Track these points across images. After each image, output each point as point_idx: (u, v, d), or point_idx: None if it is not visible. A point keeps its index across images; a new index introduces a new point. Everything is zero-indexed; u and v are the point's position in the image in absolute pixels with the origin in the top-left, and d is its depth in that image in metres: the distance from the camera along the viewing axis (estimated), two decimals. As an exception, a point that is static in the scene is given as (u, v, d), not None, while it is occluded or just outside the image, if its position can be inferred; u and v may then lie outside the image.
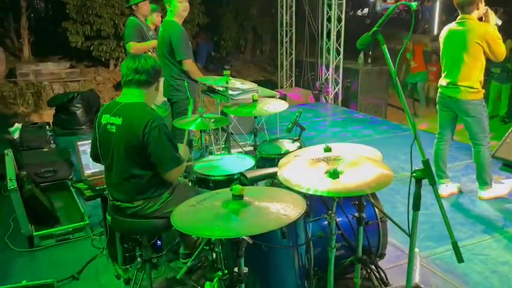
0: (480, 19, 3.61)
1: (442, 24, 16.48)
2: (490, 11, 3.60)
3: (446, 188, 4.01)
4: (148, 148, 2.23)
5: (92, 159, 2.61)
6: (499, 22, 3.69)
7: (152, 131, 2.21)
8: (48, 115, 7.74)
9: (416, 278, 2.65)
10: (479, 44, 3.52)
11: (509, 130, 4.79)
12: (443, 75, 3.84)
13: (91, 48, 9.40)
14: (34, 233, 3.33)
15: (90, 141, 3.34)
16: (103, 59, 9.80)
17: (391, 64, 1.71)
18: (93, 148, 2.50)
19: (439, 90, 3.90)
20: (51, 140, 5.38)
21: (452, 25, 3.72)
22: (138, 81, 2.30)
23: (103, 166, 2.49)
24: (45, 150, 5.02)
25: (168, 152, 2.27)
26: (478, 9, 3.56)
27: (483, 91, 3.70)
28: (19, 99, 8.62)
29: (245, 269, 1.81)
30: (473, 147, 3.81)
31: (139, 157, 2.26)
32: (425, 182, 1.81)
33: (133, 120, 2.24)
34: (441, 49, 3.84)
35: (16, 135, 5.53)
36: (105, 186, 2.94)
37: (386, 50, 1.71)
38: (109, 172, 2.41)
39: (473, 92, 3.64)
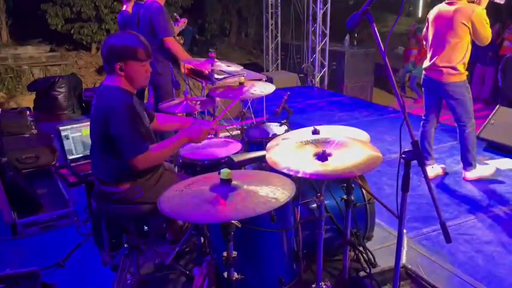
0: (472, 2, 3.60)
1: (427, 6, 16.53)
2: None
3: (432, 170, 4.05)
4: (111, 134, 2.15)
5: None
6: (502, 1, 3.65)
7: (111, 118, 2.11)
8: (28, 100, 7.56)
9: (403, 259, 2.68)
10: (465, 25, 3.51)
11: (493, 111, 4.88)
12: (428, 56, 3.83)
13: (71, 32, 9.17)
14: (17, 221, 3.26)
15: (72, 125, 3.29)
16: (84, 43, 9.58)
17: (381, 43, 1.68)
18: None
19: (424, 72, 3.90)
20: (32, 125, 5.25)
21: (441, 5, 3.70)
22: (105, 70, 2.26)
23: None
24: (26, 135, 4.90)
25: (125, 138, 2.13)
26: None
27: (466, 73, 3.71)
28: (-2, 84, 8.41)
29: (234, 253, 1.79)
30: (458, 129, 3.85)
31: (104, 143, 2.20)
32: (412, 163, 1.80)
33: (101, 104, 2.19)
34: (428, 29, 3.83)
35: (-4, 121, 5.38)
36: (89, 172, 2.89)
37: (375, 29, 1.68)
38: (92, 152, 2.37)
39: (456, 74, 3.65)
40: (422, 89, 4.02)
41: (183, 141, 2.35)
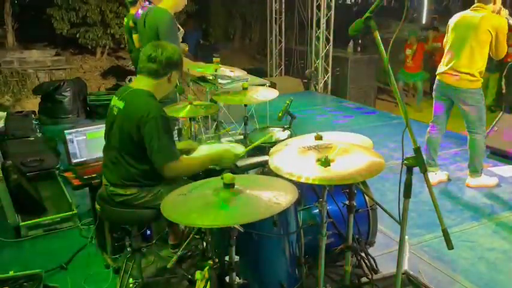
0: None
1: (430, 13, 16.54)
2: (503, 9, 3.63)
3: (435, 176, 4.05)
4: (143, 140, 2.17)
5: None
6: None
7: (148, 122, 2.13)
8: (33, 104, 7.61)
9: (405, 265, 2.67)
10: (490, 33, 3.54)
11: (497, 118, 4.87)
12: (444, 61, 3.83)
13: (77, 36, 9.24)
14: (21, 223, 3.28)
15: (77, 129, 3.32)
16: (89, 47, 9.64)
17: (384, 51, 1.69)
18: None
19: (437, 77, 3.90)
20: (37, 128, 5.28)
21: (466, 11, 3.74)
22: (148, 70, 2.26)
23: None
24: (31, 139, 4.93)
25: (161, 144, 2.16)
26: (494, 3, 3.59)
27: (481, 80, 3.72)
28: (3, 88, 8.45)
29: (236, 258, 1.80)
30: (469, 135, 3.84)
31: (132, 147, 2.22)
32: (415, 169, 1.81)
33: (133, 107, 2.20)
34: (448, 35, 3.84)
35: (0, 124, 5.42)
36: (93, 175, 2.91)
37: (378, 36, 1.69)
38: (106, 153, 2.37)
39: (473, 81, 3.66)
40: (433, 93, 4.00)
41: (213, 161, 2.38)
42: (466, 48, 3.64)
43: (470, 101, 3.70)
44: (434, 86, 3.97)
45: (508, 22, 3.64)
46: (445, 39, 3.94)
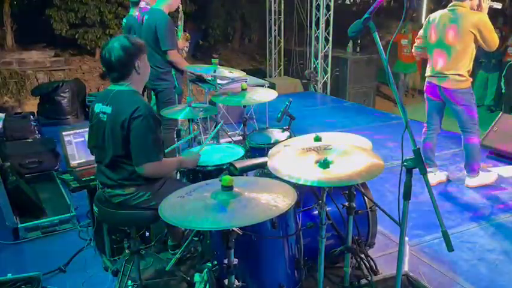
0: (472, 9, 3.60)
1: (430, 12, 16.53)
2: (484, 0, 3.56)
3: (434, 177, 4.03)
4: (131, 136, 2.18)
5: (90, 151, 2.52)
6: (499, 6, 3.66)
7: (136, 119, 2.16)
8: (32, 105, 7.60)
9: (405, 266, 2.66)
10: (472, 32, 3.50)
11: (496, 118, 4.86)
12: (431, 65, 3.81)
13: (76, 37, 9.22)
14: (19, 225, 3.26)
15: (75, 131, 3.31)
16: (89, 48, 9.62)
17: (383, 52, 1.68)
18: (89, 138, 2.46)
19: (427, 79, 3.89)
20: (35, 130, 5.27)
21: (444, 12, 3.69)
22: (116, 77, 2.28)
23: (89, 156, 2.44)
24: (29, 140, 4.92)
25: (144, 143, 2.18)
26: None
27: (471, 79, 3.71)
28: (2, 89, 8.44)
29: (235, 260, 1.79)
30: (463, 135, 3.83)
31: (128, 146, 2.21)
32: (414, 170, 1.80)
33: (121, 108, 2.20)
34: (427, 32, 3.79)
35: (-1, 125, 5.41)
36: (92, 177, 2.90)
37: (377, 37, 1.68)
38: (101, 161, 2.36)
39: (461, 81, 3.64)
40: (425, 94, 4.00)
41: (181, 165, 2.51)
42: (450, 52, 3.60)
43: (461, 101, 3.69)
44: (424, 88, 3.95)
45: (493, 7, 3.59)
46: (421, 32, 3.85)
